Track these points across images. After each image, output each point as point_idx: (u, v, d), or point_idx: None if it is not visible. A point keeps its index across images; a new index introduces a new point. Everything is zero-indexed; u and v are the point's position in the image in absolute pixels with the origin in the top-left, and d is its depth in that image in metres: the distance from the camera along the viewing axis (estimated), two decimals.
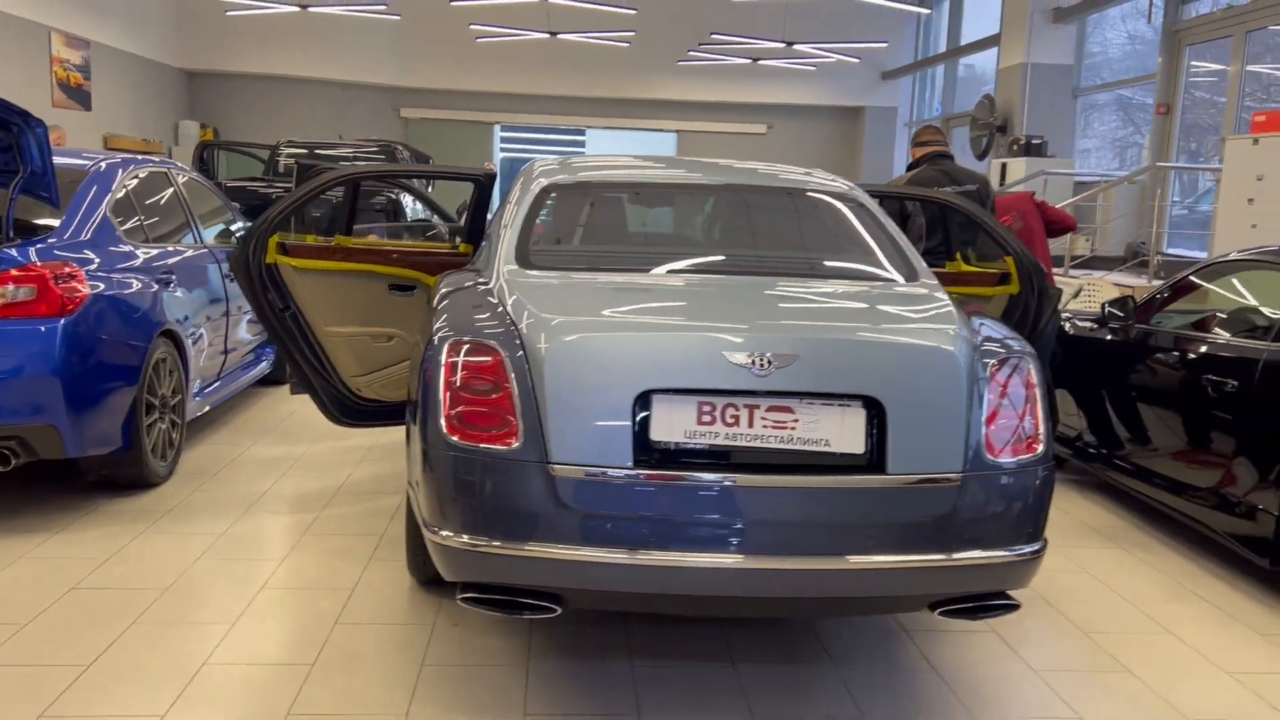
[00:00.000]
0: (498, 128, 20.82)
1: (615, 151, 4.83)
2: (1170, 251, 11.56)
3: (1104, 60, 14.92)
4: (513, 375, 2.74)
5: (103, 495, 4.66)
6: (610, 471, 2.66)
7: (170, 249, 5.34)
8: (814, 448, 2.72)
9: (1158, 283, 9.05)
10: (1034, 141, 13.28)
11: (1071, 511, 5.13)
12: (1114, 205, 12.05)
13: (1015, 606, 2.90)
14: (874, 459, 2.74)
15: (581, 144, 20.90)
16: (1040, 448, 2.89)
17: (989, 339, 3.02)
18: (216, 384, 5.77)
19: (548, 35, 16.14)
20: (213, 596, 3.65)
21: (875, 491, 2.72)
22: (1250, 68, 11.09)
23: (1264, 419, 4.08)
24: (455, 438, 2.75)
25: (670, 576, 2.68)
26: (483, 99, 20.05)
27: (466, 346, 2.83)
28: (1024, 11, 14.17)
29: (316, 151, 12.49)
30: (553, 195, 3.72)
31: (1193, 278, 5.19)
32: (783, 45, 15.90)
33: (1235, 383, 4.24)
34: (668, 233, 4.17)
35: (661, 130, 20.74)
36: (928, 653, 3.43)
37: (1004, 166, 13.20)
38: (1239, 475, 4.16)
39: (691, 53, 18.06)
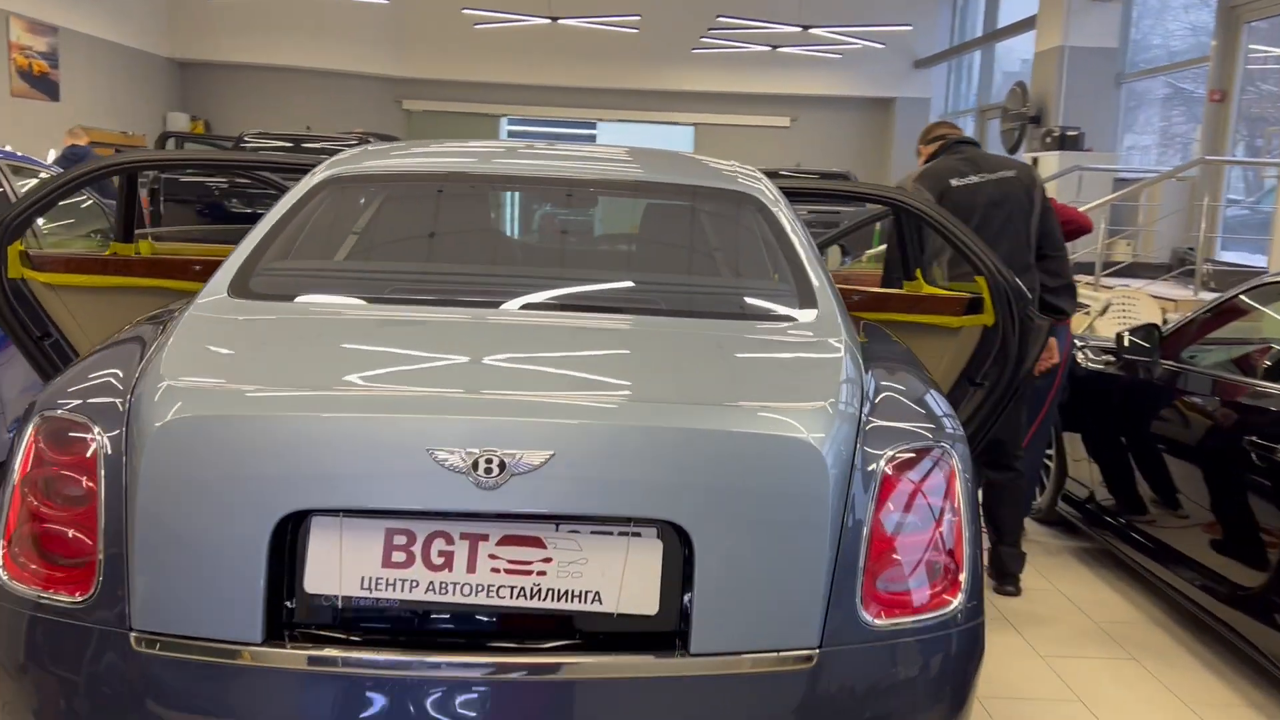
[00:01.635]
0: (505, 120, 19.85)
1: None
2: (1224, 258, 10.24)
3: (1165, 54, 13.54)
4: (103, 475, 1.73)
5: None
6: (226, 648, 1.63)
7: None
8: (576, 606, 1.68)
9: (1206, 295, 7.80)
10: (1069, 133, 11.98)
11: (1075, 598, 4.00)
12: (1160, 205, 10.74)
13: None
14: (677, 625, 1.68)
15: (593, 138, 19.85)
16: (958, 596, 1.81)
17: (891, 415, 1.93)
18: None
19: (548, 20, 15.14)
20: None
21: (672, 683, 1.67)
22: None
23: None
24: (8, 576, 1.74)
25: None
26: (487, 90, 19.09)
27: (50, 425, 1.82)
28: None
29: (302, 145, 11.78)
30: (329, 192, 2.69)
31: (1242, 298, 4.02)
32: (799, 30, 14.72)
33: None
34: (474, 247, 3.03)
35: (677, 123, 19.61)
36: None
37: (1035, 161, 11.93)
38: None
39: (705, 40, 16.91)
